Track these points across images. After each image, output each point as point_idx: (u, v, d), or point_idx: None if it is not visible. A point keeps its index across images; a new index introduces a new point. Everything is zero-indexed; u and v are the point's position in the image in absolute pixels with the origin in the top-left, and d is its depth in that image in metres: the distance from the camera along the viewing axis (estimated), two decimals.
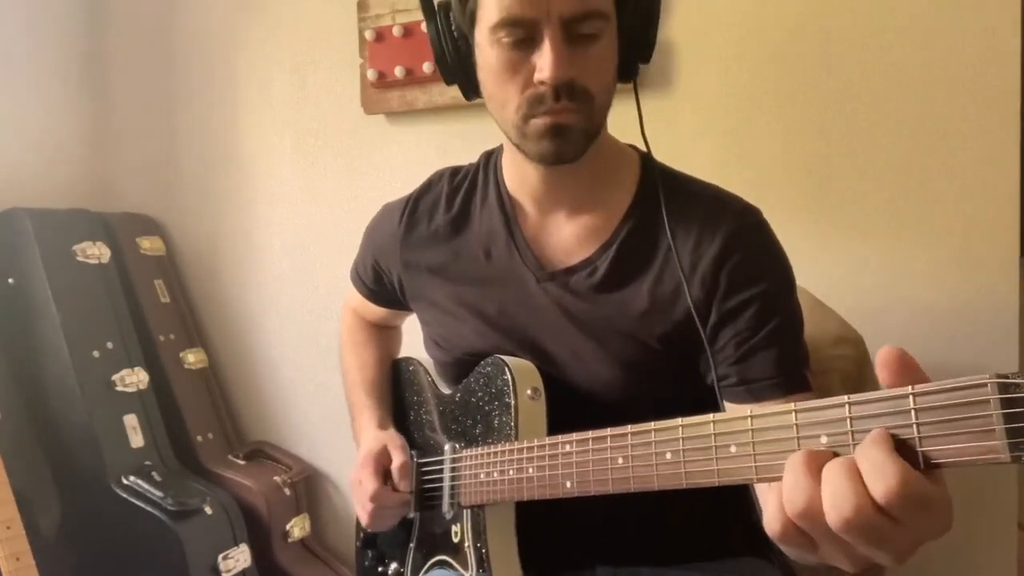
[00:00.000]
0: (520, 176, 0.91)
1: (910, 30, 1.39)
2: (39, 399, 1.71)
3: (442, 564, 0.92)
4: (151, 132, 2.06)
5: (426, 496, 0.97)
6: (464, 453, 0.90)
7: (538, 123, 0.79)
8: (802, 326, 0.85)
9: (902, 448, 0.45)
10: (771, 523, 0.50)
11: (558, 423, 0.82)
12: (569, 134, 0.79)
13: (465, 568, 0.86)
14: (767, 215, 0.88)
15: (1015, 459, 0.41)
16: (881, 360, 0.47)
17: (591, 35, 0.77)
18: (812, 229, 1.47)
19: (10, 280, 1.72)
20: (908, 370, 0.46)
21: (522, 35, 0.76)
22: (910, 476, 0.43)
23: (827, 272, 1.45)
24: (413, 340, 1.09)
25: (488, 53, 0.79)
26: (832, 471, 0.46)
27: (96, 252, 1.80)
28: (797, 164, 1.48)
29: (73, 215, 1.85)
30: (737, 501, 0.89)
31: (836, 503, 0.45)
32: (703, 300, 0.82)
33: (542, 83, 0.76)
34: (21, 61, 1.90)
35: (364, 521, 0.97)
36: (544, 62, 0.75)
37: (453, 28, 0.84)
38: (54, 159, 1.98)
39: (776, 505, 0.50)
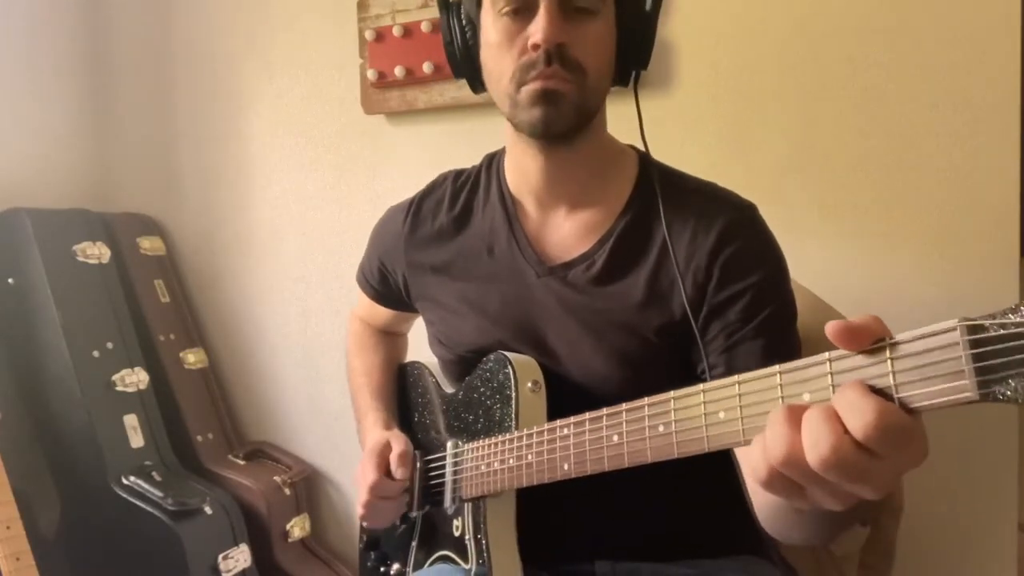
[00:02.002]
0: (521, 173, 0.93)
1: (910, 29, 1.39)
2: (39, 399, 1.71)
3: (444, 559, 0.92)
4: (151, 132, 2.07)
5: (429, 494, 0.97)
6: (465, 447, 0.91)
7: (529, 89, 0.80)
8: (794, 319, 0.86)
9: (879, 395, 0.46)
10: (756, 472, 0.52)
11: (557, 416, 0.82)
12: (560, 102, 0.80)
13: (465, 561, 0.87)
14: (768, 214, 0.89)
15: (983, 397, 0.42)
16: (830, 336, 0.48)
17: (587, 11, 0.80)
18: (813, 228, 1.47)
19: (10, 280, 1.72)
20: (859, 335, 0.48)
21: (520, 5, 0.79)
22: (886, 409, 0.45)
23: (827, 271, 1.45)
24: (418, 341, 1.10)
25: (490, 31, 0.83)
26: (810, 416, 0.48)
27: (96, 252, 1.80)
28: (797, 163, 1.48)
29: (73, 215, 1.85)
30: (735, 498, 0.90)
31: (815, 444, 0.46)
32: (697, 291, 0.84)
33: (535, 47, 0.78)
34: (21, 61, 1.91)
35: (360, 513, 0.98)
36: (536, 26, 0.78)
37: (463, 16, 0.87)
38: (54, 159, 1.98)
39: (759, 455, 0.51)
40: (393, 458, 0.95)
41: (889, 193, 1.43)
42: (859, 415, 0.45)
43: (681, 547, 0.91)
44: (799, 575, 1.01)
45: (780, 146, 1.50)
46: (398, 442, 0.96)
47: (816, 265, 1.45)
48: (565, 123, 0.82)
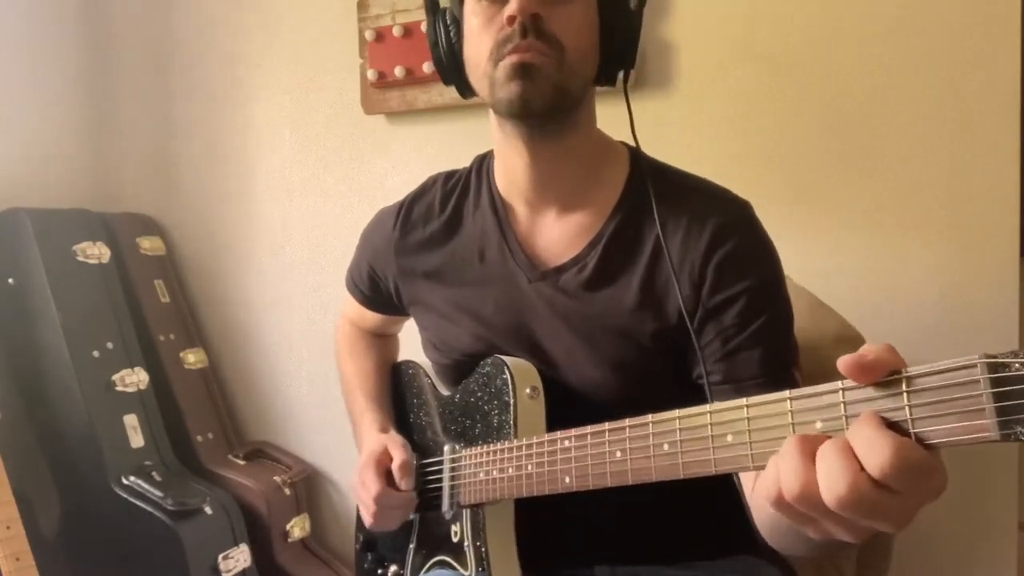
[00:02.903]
0: (510, 174, 0.91)
1: (909, 29, 1.39)
2: (39, 399, 1.71)
3: (442, 564, 0.92)
4: (151, 132, 2.07)
5: (426, 497, 0.97)
6: (463, 453, 0.90)
7: (505, 64, 0.78)
8: (791, 323, 0.85)
9: (894, 429, 0.45)
10: (770, 501, 0.51)
11: (556, 423, 0.82)
12: (536, 76, 0.78)
13: (464, 567, 0.87)
14: (766, 214, 0.87)
15: (1004, 437, 0.41)
16: (842, 370, 0.47)
17: None
18: (812, 229, 1.47)
19: (10, 280, 1.72)
20: (872, 369, 0.47)
21: None
22: (903, 445, 0.44)
23: (827, 272, 1.45)
24: (413, 343, 1.10)
25: (470, 19, 0.82)
26: (825, 451, 0.47)
27: (96, 252, 1.80)
28: (797, 163, 1.48)
29: (73, 215, 1.85)
30: (735, 500, 0.90)
31: (830, 482, 0.45)
32: (692, 294, 0.82)
33: (510, 19, 0.77)
34: (21, 61, 1.90)
35: (368, 522, 0.97)
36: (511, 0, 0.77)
37: (447, 18, 0.87)
38: (54, 159, 1.98)
39: (773, 485, 0.50)
40: (395, 469, 0.94)
41: (889, 193, 1.42)
42: (876, 452, 0.44)
43: (680, 550, 0.91)
44: (797, 574, 1.01)
45: (779, 146, 1.49)
46: (398, 450, 0.95)
47: (815, 265, 1.45)
48: (542, 100, 0.79)
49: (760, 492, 0.52)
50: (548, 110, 0.81)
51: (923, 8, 1.38)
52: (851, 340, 1.19)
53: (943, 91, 1.38)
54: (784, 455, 0.49)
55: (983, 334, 1.37)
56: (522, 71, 0.78)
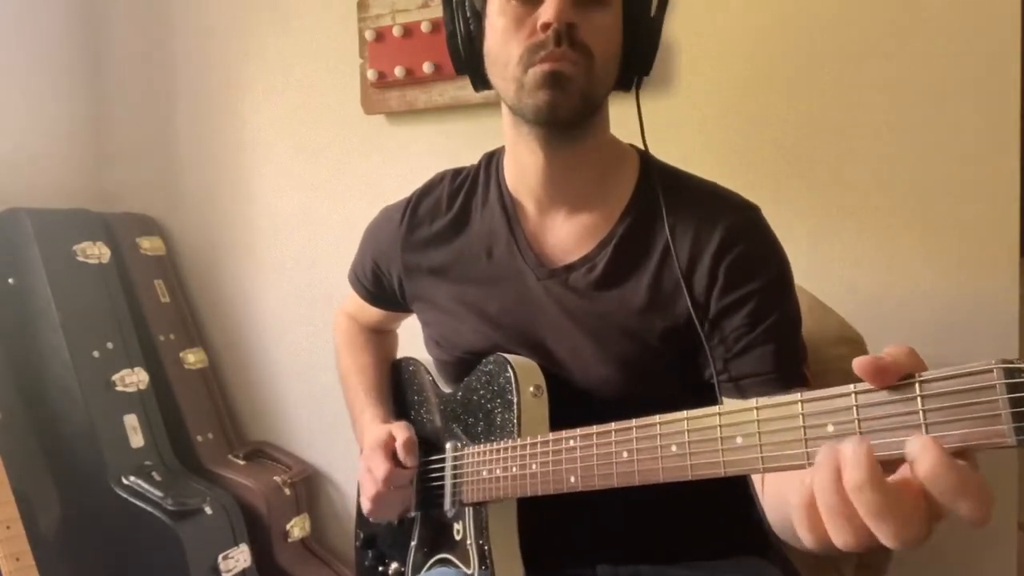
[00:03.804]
0: (521, 173, 0.91)
1: (910, 29, 1.39)
2: (39, 399, 1.71)
3: (444, 562, 0.92)
4: (151, 132, 2.07)
5: (428, 495, 0.97)
6: (466, 451, 0.90)
7: (536, 71, 0.79)
8: (800, 322, 0.85)
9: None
10: (799, 519, 0.50)
11: (559, 421, 0.82)
12: (567, 85, 0.78)
13: (467, 565, 0.86)
14: (768, 214, 0.88)
15: (1021, 443, 0.41)
16: (858, 371, 0.47)
17: (597, 1, 0.79)
18: (813, 229, 1.47)
19: (10, 280, 1.72)
20: (888, 372, 0.46)
21: None
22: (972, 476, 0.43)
23: (827, 272, 1.45)
24: (414, 340, 1.09)
25: (497, 18, 0.81)
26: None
27: (96, 252, 1.80)
28: (797, 164, 1.48)
29: (73, 215, 1.85)
30: (738, 500, 0.90)
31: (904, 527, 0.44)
32: (702, 295, 0.83)
33: (545, 26, 0.77)
34: (21, 61, 1.90)
35: (368, 508, 0.96)
36: (547, 6, 0.77)
37: (467, 8, 0.86)
38: (54, 159, 1.98)
39: (806, 499, 0.49)
40: (399, 447, 0.93)
41: (889, 193, 1.42)
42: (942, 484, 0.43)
43: (682, 549, 0.91)
44: (798, 575, 1.01)
45: (781, 146, 1.49)
46: (401, 431, 0.95)
47: (816, 266, 1.45)
48: (570, 108, 0.80)
49: (759, 483, 0.51)
50: (573, 118, 0.82)
51: (923, 8, 1.38)
52: (851, 340, 1.19)
53: (943, 91, 1.38)
54: (820, 484, 0.47)
55: (983, 334, 1.37)
56: (553, 80, 0.78)
